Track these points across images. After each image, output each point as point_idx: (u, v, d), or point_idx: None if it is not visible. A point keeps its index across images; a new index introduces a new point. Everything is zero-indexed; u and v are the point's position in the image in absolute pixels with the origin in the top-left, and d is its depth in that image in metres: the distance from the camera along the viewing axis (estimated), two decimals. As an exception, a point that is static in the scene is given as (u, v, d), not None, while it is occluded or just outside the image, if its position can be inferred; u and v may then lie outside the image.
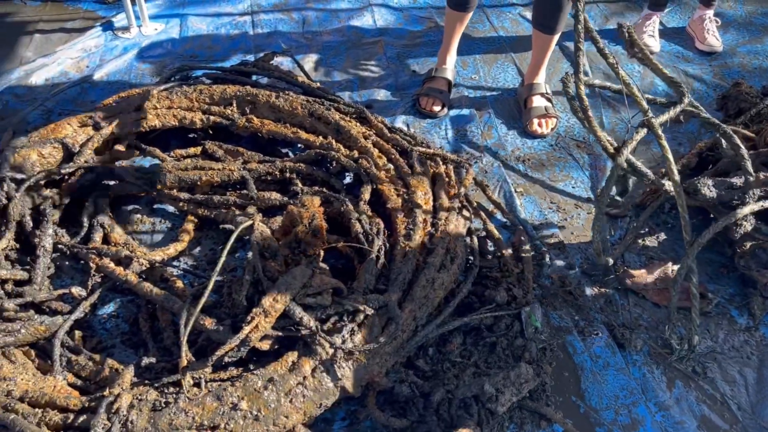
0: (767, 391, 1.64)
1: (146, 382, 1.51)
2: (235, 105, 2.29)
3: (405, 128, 2.41)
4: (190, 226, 2.02)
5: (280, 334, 1.52)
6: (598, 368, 1.69)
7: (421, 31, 3.06)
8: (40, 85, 2.64)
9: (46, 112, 2.49)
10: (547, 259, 1.96)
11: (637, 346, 1.74)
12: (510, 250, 1.96)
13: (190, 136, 2.35)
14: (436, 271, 1.72)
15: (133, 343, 1.73)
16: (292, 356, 1.50)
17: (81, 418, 1.41)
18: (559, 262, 1.97)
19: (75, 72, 2.73)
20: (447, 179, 2.04)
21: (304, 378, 1.46)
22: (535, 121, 2.44)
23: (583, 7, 1.70)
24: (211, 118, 2.27)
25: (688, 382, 1.67)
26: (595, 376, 1.67)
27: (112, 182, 2.10)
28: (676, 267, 1.88)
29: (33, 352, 1.64)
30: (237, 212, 1.99)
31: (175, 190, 2.08)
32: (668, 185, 1.85)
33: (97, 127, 2.17)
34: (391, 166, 2.04)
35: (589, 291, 1.89)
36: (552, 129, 2.45)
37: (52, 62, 2.75)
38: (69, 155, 2.08)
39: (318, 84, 2.42)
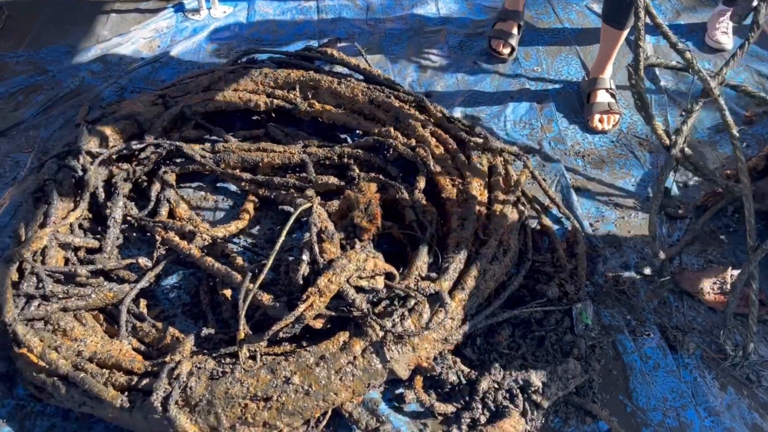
0: (825, 404, 1.60)
1: (205, 351, 1.59)
2: (298, 89, 2.34)
3: (463, 119, 2.42)
4: (250, 206, 2.09)
5: (333, 314, 1.57)
6: (647, 369, 1.68)
7: (484, 20, 3.04)
8: (114, 63, 2.77)
9: (120, 89, 2.60)
10: (602, 257, 1.94)
11: (689, 349, 1.72)
12: (564, 246, 1.95)
13: (254, 118, 2.41)
14: (488, 262, 1.73)
15: (193, 314, 1.81)
16: (343, 336, 1.55)
17: (144, 381, 1.50)
18: (614, 261, 1.95)
19: (147, 51, 2.84)
20: (503, 172, 2.04)
21: (354, 358, 1.51)
22: (597, 116, 2.40)
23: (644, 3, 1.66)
24: (275, 101, 2.33)
25: (740, 389, 1.64)
26: (644, 377, 1.66)
27: (179, 159, 2.18)
28: (735, 272, 1.84)
29: (101, 317, 1.75)
30: (296, 194, 2.04)
31: (237, 170, 2.15)
32: (733, 186, 1.80)
33: (167, 105, 2.27)
34: (447, 155, 2.06)
35: (643, 291, 1.87)
36: (614, 125, 2.42)
37: (126, 41, 2.86)
38: (140, 132, 2.18)
39: (379, 71, 2.44)
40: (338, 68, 2.53)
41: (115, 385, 1.50)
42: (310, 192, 2.00)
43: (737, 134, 1.59)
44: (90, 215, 1.99)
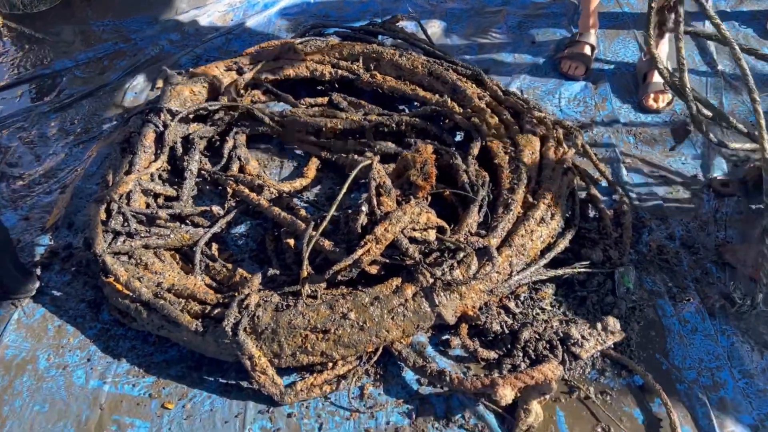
0: None
1: (270, 289, 1.74)
2: (361, 61, 2.48)
3: (519, 93, 2.50)
4: (313, 166, 2.24)
5: (387, 261, 1.70)
6: (685, 332, 1.75)
7: (544, 3, 3.11)
8: (191, 34, 2.97)
9: (195, 58, 2.80)
10: (648, 228, 2.01)
11: (728, 315, 1.78)
12: (611, 216, 2.03)
13: (319, 88, 2.56)
14: (535, 224, 1.83)
15: (259, 260, 1.97)
16: (396, 281, 1.68)
17: (216, 311, 1.66)
18: (660, 232, 2.02)
19: (221, 23, 3.03)
20: (555, 142, 2.12)
21: (406, 300, 1.64)
22: (652, 95, 2.45)
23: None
24: (339, 71, 2.48)
25: (777, 356, 1.69)
26: (681, 339, 1.73)
27: (249, 122, 2.35)
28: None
29: (177, 256, 1.93)
30: (356, 157, 2.18)
31: (302, 134, 2.31)
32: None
33: (240, 72, 2.44)
34: (501, 125, 2.16)
35: (686, 262, 1.93)
36: (668, 105, 2.46)
37: (202, 14, 3.06)
38: (215, 94, 2.36)
39: (438, 48, 2.55)
40: (400, 43, 2.65)
41: (190, 313, 1.67)
42: (369, 154, 2.13)
43: (757, 97, 1.65)
44: (169, 167, 2.17)
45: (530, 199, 1.91)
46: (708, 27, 2.70)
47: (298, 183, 2.15)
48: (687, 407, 1.59)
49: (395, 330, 1.62)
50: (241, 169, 2.21)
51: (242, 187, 2.07)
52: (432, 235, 1.73)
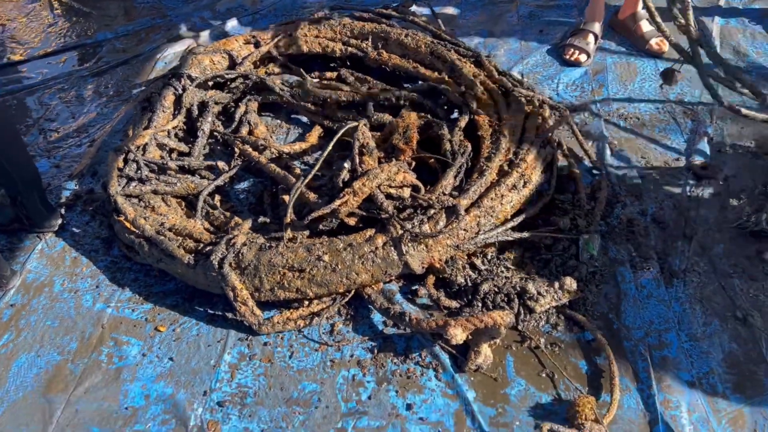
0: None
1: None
2: (370, 40, 2.65)
3: (518, 76, 2.63)
4: (315, 133, 2.42)
5: (363, 213, 1.87)
6: (641, 297, 1.86)
7: (558, -5, 3.22)
8: (222, 13, 3.20)
9: (224, 33, 3.02)
10: (621, 203, 2.12)
11: (685, 285, 1.87)
12: (588, 191, 2.14)
13: (331, 65, 2.75)
14: (507, 189, 1.96)
15: (257, 212, 2.16)
16: (369, 232, 1.84)
17: (207, 248, 1.86)
18: (633, 208, 2.12)
19: (250, 5, 3.25)
20: (540, 119, 2.24)
21: (376, 248, 1.80)
22: (653, 41, 2.63)
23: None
24: (349, 49, 2.65)
25: (726, 323, 1.78)
26: (635, 302, 1.84)
27: (262, 91, 2.55)
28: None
29: (183, 204, 2.14)
30: (347, 121, 2.34)
31: (309, 104, 2.49)
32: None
33: (257, 46, 2.65)
34: (491, 102, 2.29)
35: (653, 236, 2.02)
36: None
37: (234, -5, 3.30)
38: (233, 64, 2.57)
39: (444, 29, 2.70)
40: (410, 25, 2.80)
41: (185, 248, 1.87)
42: (362, 120, 2.29)
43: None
44: (185, 127, 2.39)
45: (506, 168, 2.04)
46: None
47: (298, 146, 2.33)
48: (630, 362, 1.70)
49: (364, 274, 1.79)
50: (250, 133, 2.41)
51: (247, 147, 2.27)
52: (406, 192, 1.89)
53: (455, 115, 2.43)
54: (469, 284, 1.86)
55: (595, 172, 2.25)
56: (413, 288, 1.91)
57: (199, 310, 1.89)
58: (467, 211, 1.89)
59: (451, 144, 2.11)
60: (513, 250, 1.96)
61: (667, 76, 2.23)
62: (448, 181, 1.98)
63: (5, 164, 1.91)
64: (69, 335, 1.82)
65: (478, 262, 1.92)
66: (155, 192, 2.07)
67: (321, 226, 1.89)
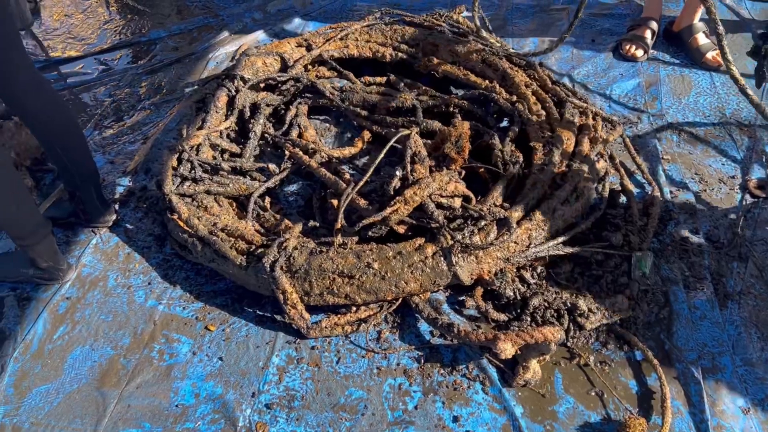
0: None
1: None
2: (420, 46, 2.65)
3: (570, 86, 2.60)
4: (364, 138, 2.43)
5: (414, 222, 1.87)
6: (694, 318, 1.82)
7: (611, 4, 3.17)
8: (272, 14, 3.23)
9: (274, 35, 3.05)
10: (675, 221, 2.08)
11: (740, 308, 1.83)
12: (640, 206, 2.10)
13: (380, 69, 2.75)
14: (559, 203, 1.95)
15: (305, 215, 2.18)
16: (419, 241, 1.84)
17: (259, 250, 1.88)
18: (686, 225, 2.08)
19: (300, 6, 3.28)
20: (593, 131, 2.21)
21: (426, 258, 1.80)
22: (709, 55, 2.61)
23: None
24: (399, 54, 2.66)
25: (783, 350, 1.74)
26: (688, 323, 1.80)
27: (313, 94, 2.57)
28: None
29: (234, 204, 2.17)
30: (399, 129, 2.35)
31: (358, 108, 2.50)
32: None
33: (308, 49, 2.67)
34: (543, 112, 2.27)
35: (707, 255, 1.98)
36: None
37: (285, -3, 3.33)
38: (284, 67, 2.60)
39: (497, 39, 2.68)
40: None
41: (237, 250, 1.90)
42: (413, 128, 2.30)
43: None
44: (236, 128, 2.42)
45: (559, 181, 2.02)
46: None
47: (348, 151, 2.34)
48: (681, 384, 1.67)
49: (413, 283, 1.79)
50: (300, 136, 2.43)
51: (297, 150, 2.29)
52: (457, 202, 1.89)
53: (505, 123, 2.42)
54: (518, 298, 1.85)
55: (647, 187, 2.21)
56: (460, 299, 1.90)
57: (249, 311, 1.91)
58: (518, 223, 1.88)
59: (502, 154, 2.10)
60: (563, 264, 1.94)
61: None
62: (500, 192, 1.97)
63: (66, 160, 1.96)
64: (122, 330, 1.86)
65: (527, 275, 1.90)
66: (208, 192, 2.10)
67: (370, 233, 1.90)
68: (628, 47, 2.78)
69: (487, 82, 2.46)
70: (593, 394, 1.67)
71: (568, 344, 1.76)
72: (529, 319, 1.80)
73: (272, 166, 2.26)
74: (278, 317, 1.87)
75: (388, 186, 1.92)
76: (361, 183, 1.93)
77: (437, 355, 1.77)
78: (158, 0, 3.42)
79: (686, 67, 2.74)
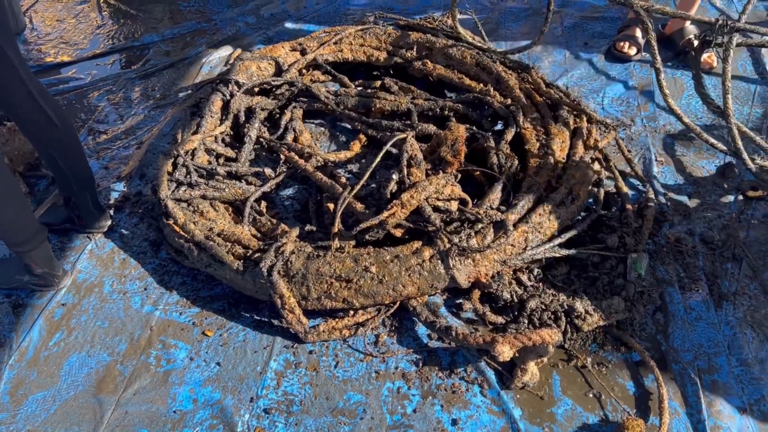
0: None
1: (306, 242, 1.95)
2: (414, 50, 2.66)
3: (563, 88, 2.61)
4: (359, 142, 2.43)
5: (411, 225, 1.88)
6: (690, 319, 1.83)
7: (603, 6, 3.19)
8: (265, 18, 3.23)
9: (268, 39, 3.05)
10: (669, 222, 2.09)
11: (735, 308, 1.84)
12: (635, 208, 2.12)
13: (374, 73, 2.76)
14: (555, 205, 1.95)
15: (301, 219, 2.18)
16: (416, 244, 1.85)
17: (256, 255, 1.88)
18: (681, 227, 2.09)
19: (294, 10, 3.28)
20: (587, 134, 2.23)
21: (423, 261, 1.80)
22: (703, 57, 2.61)
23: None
24: (394, 58, 2.66)
25: (778, 349, 1.75)
26: (684, 324, 1.82)
27: (307, 98, 2.57)
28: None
29: (230, 209, 2.16)
30: (395, 132, 2.35)
31: (353, 112, 2.50)
32: None
33: (303, 53, 2.67)
34: (537, 114, 2.28)
35: (701, 256, 2.00)
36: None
37: (278, 1, 3.32)
38: (279, 71, 2.59)
39: (490, 45, 2.69)
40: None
41: (234, 254, 1.89)
42: (409, 132, 2.30)
43: None
44: (231, 133, 2.42)
45: (554, 183, 2.03)
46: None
47: (343, 155, 2.34)
48: (678, 385, 1.68)
49: (411, 286, 1.79)
50: (295, 140, 2.43)
51: (293, 154, 2.28)
52: (454, 206, 1.89)
53: (499, 126, 2.43)
54: (516, 300, 1.85)
55: (641, 189, 2.23)
56: (458, 302, 1.90)
57: (246, 315, 1.91)
58: (515, 226, 1.89)
59: (498, 157, 2.10)
60: (560, 267, 1.94)
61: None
62: (496, 195, 1.98)
63: (62, 165, 1.95)
64: (118, 336, 1.85)
65: (524, 278, 1.91)
66: (204, 197, 2.10)
67: (367, 237, 1.90)
68: (621, 45, 2.82)
69: (481, 85, 2.47)
70: (591, 395, 1.67)
71: (566, 346, 1.77)
72: (526, 321, 1.81)
73: (268, 171, 2.26)
74: (276, 322, 1.87)
75: (384, 189, 1.93)
76: (358, 187, 1.94)
77: (435, 358, 1.78)
78: (151, 5, 3.41)
79: (678, 70, 2.77)
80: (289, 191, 2.29)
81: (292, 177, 2.32)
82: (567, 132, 2.19)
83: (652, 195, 2.17)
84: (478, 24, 2.88)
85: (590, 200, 2.09)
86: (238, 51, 2.86)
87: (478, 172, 2.16)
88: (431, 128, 2.35)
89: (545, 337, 1.65)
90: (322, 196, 2.18)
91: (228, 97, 2.42)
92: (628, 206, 2.10)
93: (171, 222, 2.01)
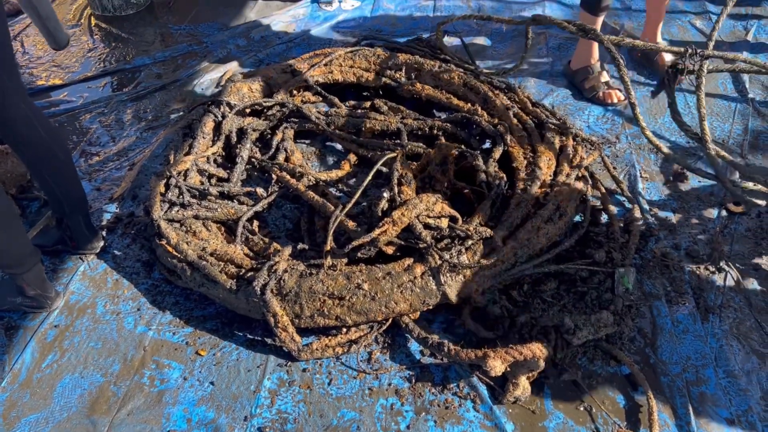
0: None
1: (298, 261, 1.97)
2: (404, 70, 2.71)
3: (549, 107, 2.67)
4: (350, 161, 2.47)
5: (402, 242, 1.90)
6: (677, 331, 1.86)
7: (587, 27, 3.26)
8: (256, 41, 3.28)
9: (258, 61, 3.09)
10: (656, 237, 2.13)
11: (721, 321, 1.88)
12: (621, 223, 2.16)
13: (364, 93, 2.80)
14: (543, 221, 1.99)
15: (293, 238, 2.20)
16: (408, 261, 1.87)
17: (249, 274, 1.90)
18: (667, 242, 2.13)
19: (284, 33, 3.33)
20: (573, 152, 2.27)
21: (415, 278, 1.83)
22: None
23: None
24: (383, 79, 2.71)
25: (764, 361, 1.78)
26: (672, 337, 1.85)
27: (298, 119, 2.61)
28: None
29: (223, 229, 2.18)
30: (385, 151, 2.39)
31: (344, 132, 2.54)
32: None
33: (293, 75, 2.71)
34: (524, 133, 2.33)
35: (687, 270, 2.04)
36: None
37: (268, 23, 3.37)
38: (270, 93, 2.63)
39: (477, 65, 2.75)
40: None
41: (227, 274, 1.91)
42: (399, 151, 2.34)
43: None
44: (223, 153, 2.44)
45: (542, 200, 2.07)
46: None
47: (334, 174, 2.37)
48: (667, 397, 1.71)
49: (403, 303, 1.81)
50: (287, 160, 2.46)
51: (284, 174, 2.31)
52: (444, 223, 1.92)
53: (487, 145, 2.47)
54: (506, 315, 1.88)
55: (627, 205, 2.27)
56: (450, 318, 1.93)
57: (239, 334, 1.92)
58: (504, 242, 1.92)
59: (486, 175, 2.14)
60: (549, 281, 1.97)
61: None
62: (485, 212, 2.01)
63: (55, 187, 1.97)
64: (112, 357, 1.86)
65: (514, 293, 1.94)
66: (196, 217, 2.12)
67: (359, 254, 1.92)
68: (609, 95, 2.75)
69: (469, 105, 2.52)
70: (582, 409, 1.69)
71: (556, 360, 1.79)
72: (516, 336, 1.83)
73: (260, 190, 2.28)
74: (269, 340, 1.88)
75: (376, 208, 1.96)
76: (350, 205, 1.96)
77: (428, 374, 1.79)
78: (142, 28, 3.45)
79: (661, 89, 2.83)
80: (280, 210, 2.32)
81: (284, 196, 2.34)
82: (553, 150, 2.24)
83: (637, 211, 2.21)
84: (466, 46, 2.94)
85: (578, 216, 2.13)
86: (230, 71, 2.90)
87: (467, 190, 2.19)
88: (421, 146, 2.39)
89: (536, 352, 1.67)
90: (315, 214, 2.20)
91: (220, 118, 2.45)
92: (615, 222, 2.14)
93: (164, 242, 2.02)
